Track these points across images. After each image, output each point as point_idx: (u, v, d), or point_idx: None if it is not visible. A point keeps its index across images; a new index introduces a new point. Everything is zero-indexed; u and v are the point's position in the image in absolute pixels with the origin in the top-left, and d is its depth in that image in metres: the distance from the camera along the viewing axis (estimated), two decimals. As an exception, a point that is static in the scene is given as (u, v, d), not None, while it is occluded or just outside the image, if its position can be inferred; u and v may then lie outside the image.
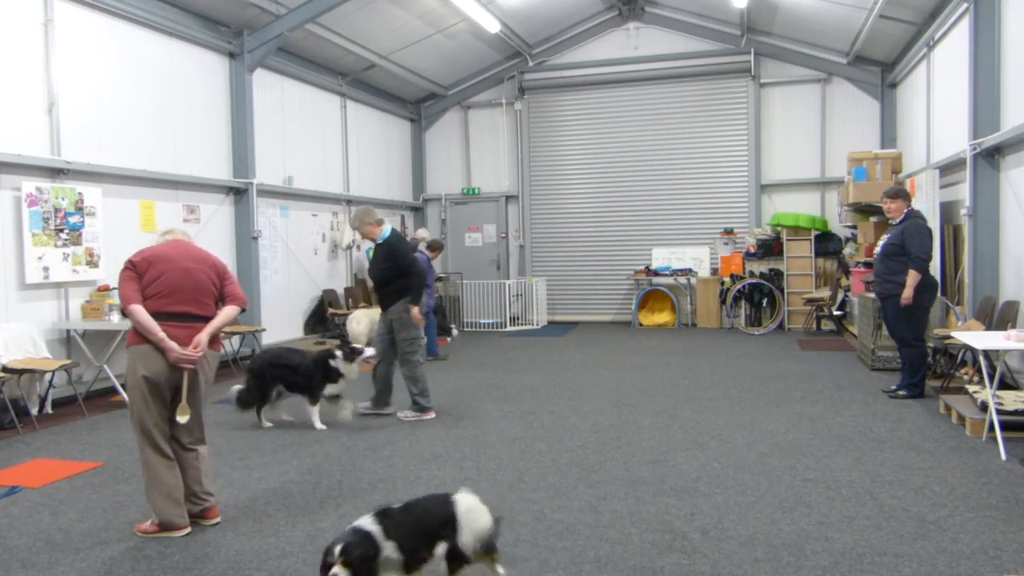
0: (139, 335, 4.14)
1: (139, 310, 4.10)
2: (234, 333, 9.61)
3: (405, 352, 6.99)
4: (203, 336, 4.20)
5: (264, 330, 10.38)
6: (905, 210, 7.18)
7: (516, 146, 15.35)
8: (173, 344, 4.11)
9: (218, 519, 4.33)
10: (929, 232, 7.10)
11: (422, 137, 15.92)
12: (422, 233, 12.06)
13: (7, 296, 7.35)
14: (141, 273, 4.17)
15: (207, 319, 4.28)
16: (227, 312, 4.39)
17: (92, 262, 8.12)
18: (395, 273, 6.90)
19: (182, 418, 4.20)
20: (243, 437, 6.35)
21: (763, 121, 13.99)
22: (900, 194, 7.27)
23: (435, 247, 11.01)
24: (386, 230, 7.07)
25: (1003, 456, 5.22)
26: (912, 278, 6.90)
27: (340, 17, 11.16)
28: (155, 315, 4.12)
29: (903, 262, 6.99)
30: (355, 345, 6.92)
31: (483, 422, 6.69)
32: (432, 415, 7.02)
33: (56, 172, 7.84)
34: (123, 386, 4.32)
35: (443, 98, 15.62)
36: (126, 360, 4.23)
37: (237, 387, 6.78)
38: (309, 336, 11.99)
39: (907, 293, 6.91)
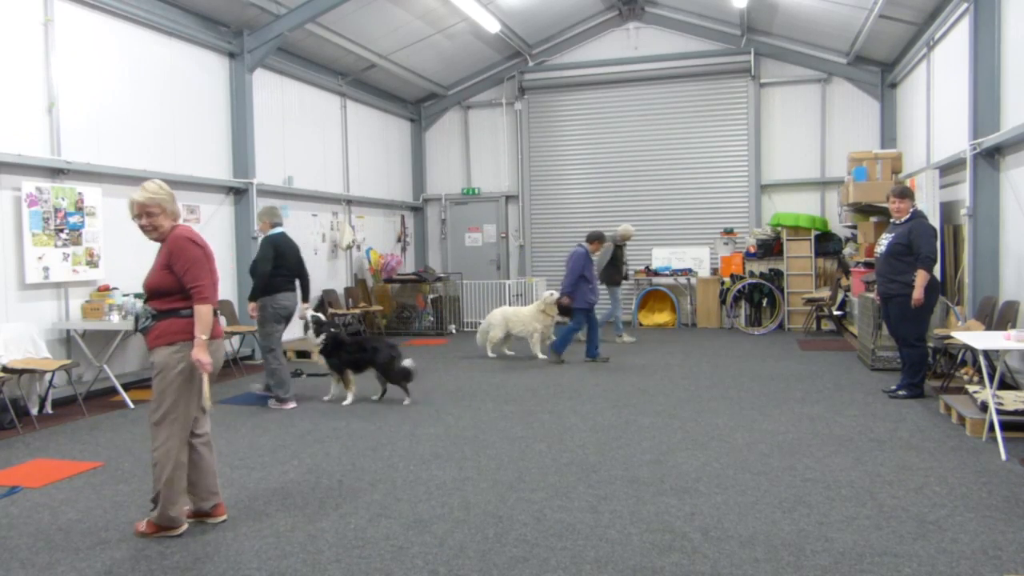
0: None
1: (211, 310, 4.11)
2: (234, 333, 9.60)
3: (261, 345, 7.68)
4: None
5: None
6: (911, 210, 7.18)
7: (516, 146, 15.35)
8: (207, 354, 4.11)
9: (225, 517, 4.34)
10: (935, 232, 7.11)
11: (422, 137, 15.93)
12: (623, 228, 11.76)
13: (7, 296, 7.35)
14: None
15: None
16: None
17: (92, 262, 8.12)
18: (252, 269, 7.57)
19: (209, 404, 4.25)
20: (243, 437, 6.35)
21: (763, 121, 13.99)
22: (907, 193, 7.26)
23: (593, 239, 10.11)
24: (272, 231, 7.60)
25: (1003, 456, 5.21)
26: (922, 278, 6.88)
27: (340, 17, 11.16)
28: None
29: (909, 262, 6.97)
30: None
31: (483, 422, 6.69)
32: (292, 405, 7.52)
33: (56, 172, 7.84)
34: (153, 382, 4.12)
35: (443, 98, 15.62)
36: (177, 353, 4.04)
37: None
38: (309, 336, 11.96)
39: (918, 294, 6.89)
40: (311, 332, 7.71)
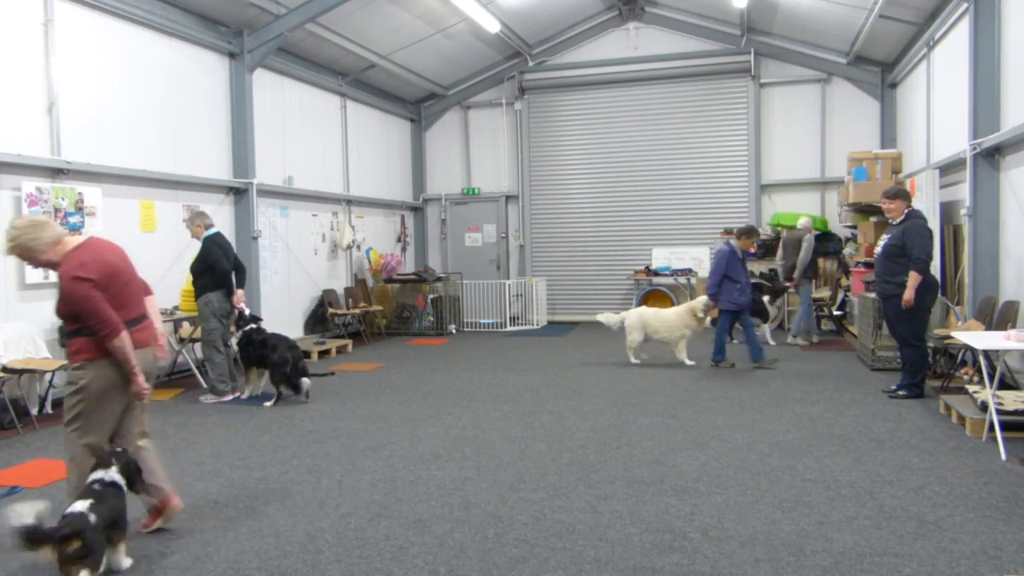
0: (104, 350, 3.98)
1: (127, 338, 3.97)
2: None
3: (204, 340, 8.01)
4: (164, 340, 4.41)
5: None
6: (905, 210, 7.16)
7: (516, 146, 15.35)
8: (142, 377, 4.08)
9: (179, 504, 4.30)
10: (930, 233, 7.08)
11: (422, 137, 15.93)
12: (803, 221, 11.57)
13: (7, 296, 7.35)
14: (103, 289, 3.96)
15: (146, 314, 4.32)
16: (156, 305, 4.50)
17: (92, 262, 8.12)
18: (202, 269, 7.81)
19: (146, 441, 4.25)
20: (243, 437, 6.35)
21: (763, 121, 13.99)
22: (899, 194, 7.25)
23: (741, 234, 9.48)
24: (210, 231, 7.93)
25: (1003, 456, 5.22)
26: (913, 279, 6.88)
27: (340, 17, 11.16)
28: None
29: (903, 263, 6.97)
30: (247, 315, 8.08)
31: (483, 422, 6.69)
32: (229, 397, 7.91)
33: (56, 172, 7.84)
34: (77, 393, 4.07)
35: (443, 98, 15.62)
36: (79, 370, 3.99)
37: None
38: (309, 336, 11.99)
39: (908, 295, 6.90)
40: (232, 325, 8.00)
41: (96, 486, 3.73)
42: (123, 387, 4.09)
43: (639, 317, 9.76)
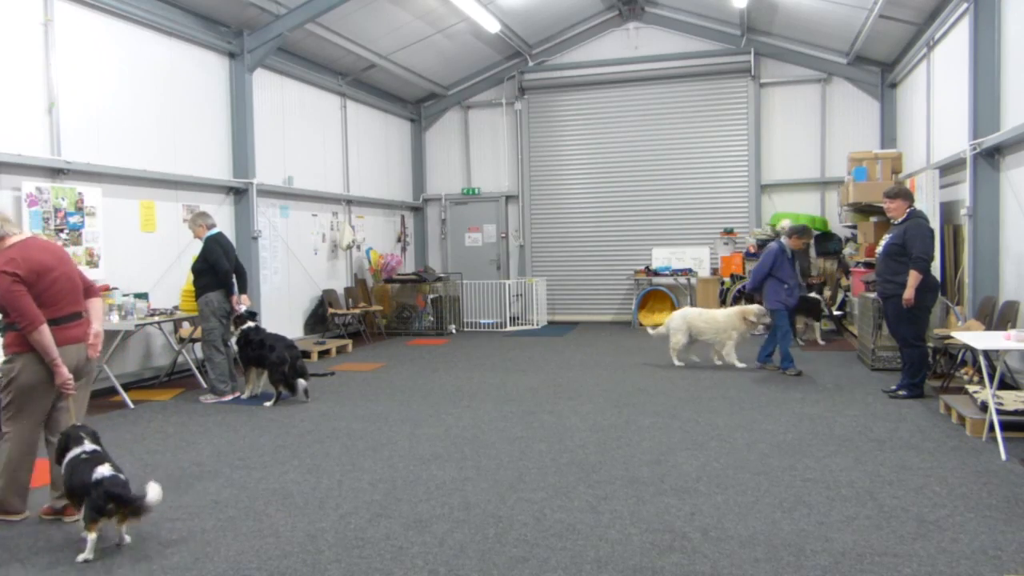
0: (29, 344, 4.23)
1: (46, 331, 4.20)
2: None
3: (205, 340, 8.03)
4: (100, 340, 4.57)
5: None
6: (907, 210, 7.16)
7: (516, 146, 15.35)
8: (65, 370, 4.27)
9: (77, 518, 4.24)
10: (931, 232, 7.08)
11: (422, 137, 15.93)
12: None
13: (7, 296, 7.35)
14: (30, 285, 4.20)
15: (83, 312, 4.51)
16: (100, 307, 4.67)
17: (92, 262, 8.12)
18: (203, 268, 7.83)
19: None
20: (243, 437, 6.35)
21: (763, 121, 13.99)
22: (900, 194, 7.25)
23: (792, 233, 9.04)
24: (211, 231, 7.94)
25: (1003, 456, 5.22)
26: (913, 279, 6.88)
27: (340, 17, 11.16)
28: (49, 322, 4.25)
29: (904, 262, 6.98)
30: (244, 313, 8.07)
31: (483, 422, 6.69)
32: (229, 397, 7.92)
33: (56, 172, 7.84)
34: (8, 385, 4.39)
35: (443, 98, 15.63)
36: (9, 364, 4.31)
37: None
38: (309, 336, 11.99)
39: (908, 294, 6.90)
40: (231, 324, 8.01)
41: (84, 456, 4.02)
42: (51, 380, 4.30)
43: (682, 319, 9.45)
